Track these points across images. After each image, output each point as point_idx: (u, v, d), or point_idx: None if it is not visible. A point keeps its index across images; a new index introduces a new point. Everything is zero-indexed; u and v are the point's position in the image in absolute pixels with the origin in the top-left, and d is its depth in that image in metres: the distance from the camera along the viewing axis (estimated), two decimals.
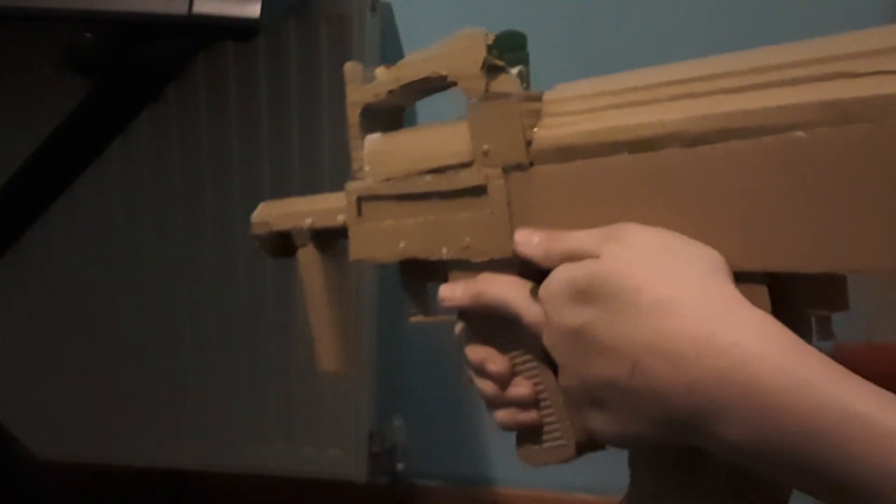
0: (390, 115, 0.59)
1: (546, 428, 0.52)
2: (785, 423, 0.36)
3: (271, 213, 0.67)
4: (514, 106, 0.49)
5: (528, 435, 0.53)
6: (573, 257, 0.44)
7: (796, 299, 0.42)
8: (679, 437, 0.40)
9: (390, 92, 0.56)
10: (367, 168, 0.57)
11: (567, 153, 0.47)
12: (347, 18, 1.07)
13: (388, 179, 0.56)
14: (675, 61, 0.46)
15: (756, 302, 0.40)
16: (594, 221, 0.45)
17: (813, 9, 1.09)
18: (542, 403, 0.52)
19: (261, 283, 1.18)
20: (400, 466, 1.30)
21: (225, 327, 1.21)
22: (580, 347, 0.43)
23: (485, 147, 0.50)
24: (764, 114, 0.39)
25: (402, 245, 0.56)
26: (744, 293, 0.40)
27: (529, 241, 0.48)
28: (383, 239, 0.57)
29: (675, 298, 0.39)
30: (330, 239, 0.63)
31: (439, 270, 0.55)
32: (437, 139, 0.54)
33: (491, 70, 0.49)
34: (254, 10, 0.75)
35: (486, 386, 0.53)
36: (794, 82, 0.39)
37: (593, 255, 0.43)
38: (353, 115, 0.58)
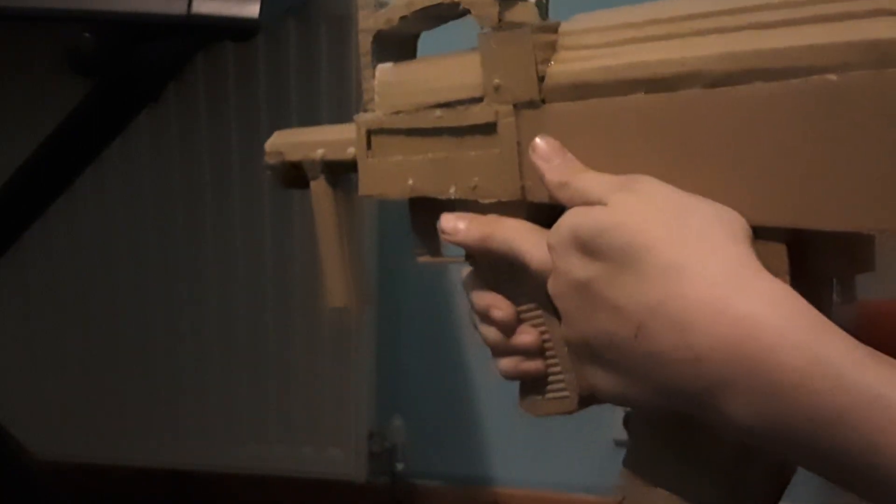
0: (403, 43, 0.56)
1: (550, 378, 0.50)
2: (799, 403, 0.33)
3: (285, 143, 0.65)
4: (526, 37, 0.45)
5: (532, 385, 0.51)
6: (583, 200, 0.42)
7: (818, 259, 0.39)
8: (682, 407, 0.38)
9: (402, 18, 0.53)
10: (377, 99, 0.55)
11: (581, 91, 0.43)
12: (346, 18, 1.07)
13: (397, 113, 0.54)
14: None
15: (774, 261, 0.37)
16: (606, 166, 0.43)
17: None
18: (548, 353, 0.49)
19: (260, 283, 1.18)
20: (399, 466, 1.30)
21: (225, 327, 1.21)
22: (585, 301, 0.40)
23: (496, 81, 0.47)
24: (793, 53, 0.36)
25: (410, 182, 0.54)
26: (760, 252, 0.37)
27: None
28: (392, 175, 0.55)
29: (687, 261, 0.37)
30: (341, 172, 0.62)
31: (448, 210, 0.53)
32: (449, 71, 0.51)
33: None
34: (253, 10, 0.75)
35: (491, 333, 0.51)
36: (829, 19, 0.35)
37: (602, 203, 0.40)
38: (365, 43, 0.55)
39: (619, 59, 0.42)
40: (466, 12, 0.49)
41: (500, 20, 0.46)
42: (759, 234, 0.38)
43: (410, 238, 0.57)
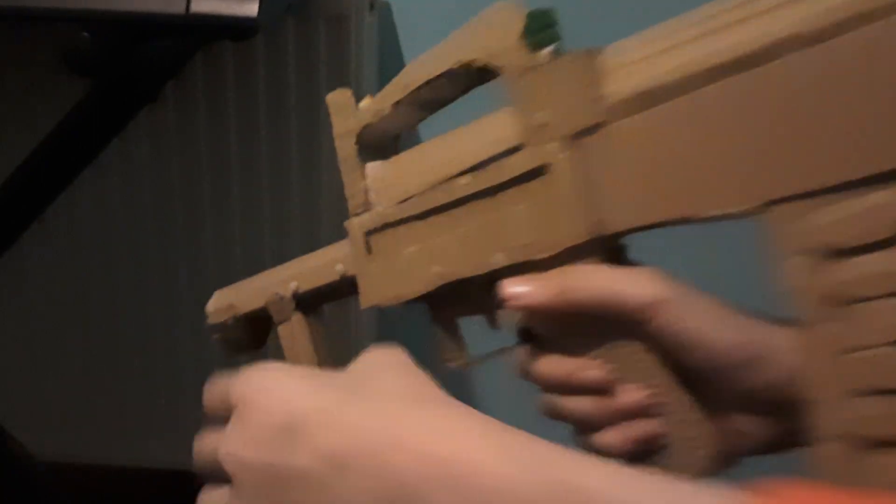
0: (382, 146, 0.52)
1: (673, 437, 0.44)
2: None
3: (235, 295, 0.58)
4: (577, 61, 0.43)
5: (651, 453, 0.45)
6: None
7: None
8: None
9: (396, 104, 0.48)
10: (372, 197, 0.50)
11: (650, 98, 0.41)
12: (346, 18, 1.07)
13: (406, 200, 0.49)
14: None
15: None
16: (692, 161, 0.40)
17: None
18: (660, 408, 0.44)
19: None
20: None
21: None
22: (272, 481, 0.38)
23: (540, 120, 0.43)
24: None
25: (435, 270, 0.48)
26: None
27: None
28: (407, 270, 0.49)
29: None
30: (320, 303, 0.55)
31: (477, 297, 0.48)
32: (466, 139, 0.48)
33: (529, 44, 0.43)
34: (251, 10, 0.75)
35: (583, 403, 0.45)
36: None
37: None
38: (347, 147, 0.51)
39: (687, 56, 0.40)
40: (483, 80, 0.46)
41: (531, 61, 0.44)
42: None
43: (435, 343, 0.51)
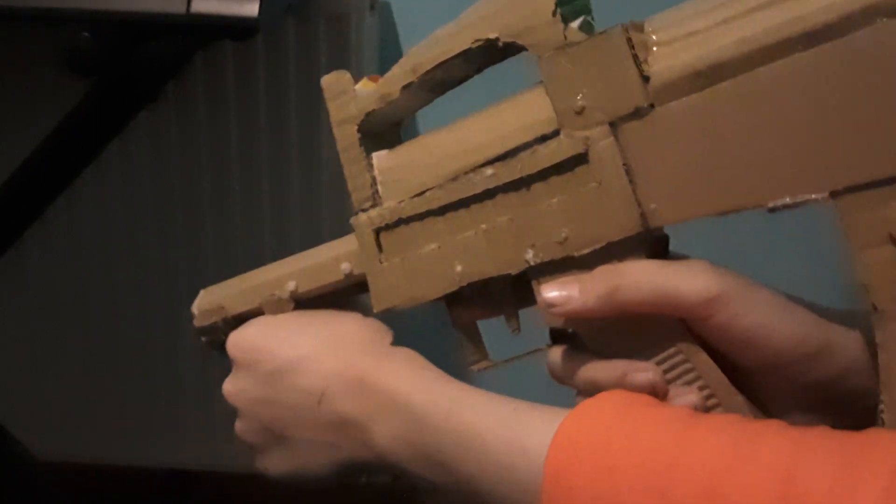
0: (384, 132, 0.48)
1: None
2: (422, 435, 0.45)
3: (224, 295, 0.55)
4: (619, 39, 0.38)
5: None
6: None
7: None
8: (349, 447, 0.49)
9: (406, 87, 0.45)
10: (381, 191, 0.47)
11: (705, 77, 0.37)
12: (346, 18, 1.07)
13: (421, 193, 0.45)
14: None
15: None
16: (752, 150, 0.37)
17: None
18: (714, 410, 0.42)
19: None
20: None
21: None
22: (265, 396, 0.52)
23: (578, 104, 0.40)
24: None
25: (458, 269, 0.45)
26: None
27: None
28: (426, 270, 0.46)
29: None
30: (317, 304, 0.52)
31: (501, 297, 0.46)
32: (488, 124, 0.44)
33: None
34: (252, 10, 0.75)
35: None
36: None
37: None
38: (349, 134, 0.48)
39: (748, 29, 0.36)
40: (502, 58, 0.43)
41: (565, 37, 0.40)
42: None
43: (455, 344, 0.50)
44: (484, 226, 0.44)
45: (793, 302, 0.41)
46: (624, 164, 0.40)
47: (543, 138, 0.42)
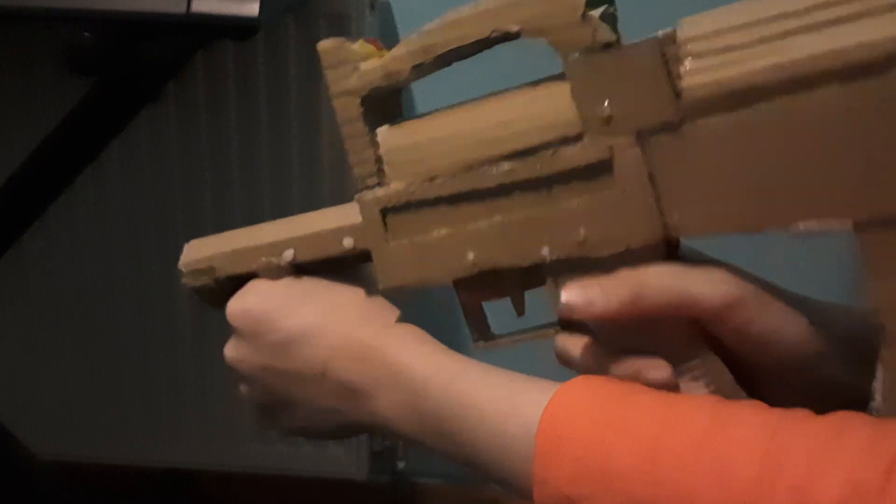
0: (386, 103, 0.47)
1: None
2: (422, 404, 0.46)
3: (216, 254, 0.53)
4: (654, 51, 0.38)
5: None
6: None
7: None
8: (351, 412, 0.50)
9: (416, 67, 0.44)
10: (387, 170, 0.45)
11: (742, 97, 0.36)
12: (346, 17, 1.07)
13: (431, 179, 0.44)
14: None
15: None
16: (786, 173, 0.37)
17: None
18: None
19: None
20: (401, 465, 1.30)
21: (224, 326, 1.20)
22: (271, 365, 0.52)
23: (605, 112, 0.39)
24: None
25: (470, 257, 0.44)
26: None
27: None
28: (437, 254, 0.45)
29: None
30: (315, 271, 0.51)
31: (510, 282, 0.46)
32: (506, 116, 0.43)
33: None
34: (252, 9, 0.75)
35: None
36: None
37: None
38: (351, 108, 0.46)
39: (795, 51, 0.35)
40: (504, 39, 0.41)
41: (593, 40, 0.39)
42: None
43: (465, 325, 0.49)
44: (499, 218, 0.43)
45: (798, 300, 0.42)
46: (649, 174, 0.39)
47: (565, 140, 0.41)
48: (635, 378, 0.42)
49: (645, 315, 0.41)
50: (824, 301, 0.44)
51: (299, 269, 0.51)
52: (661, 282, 0.40)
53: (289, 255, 0.51)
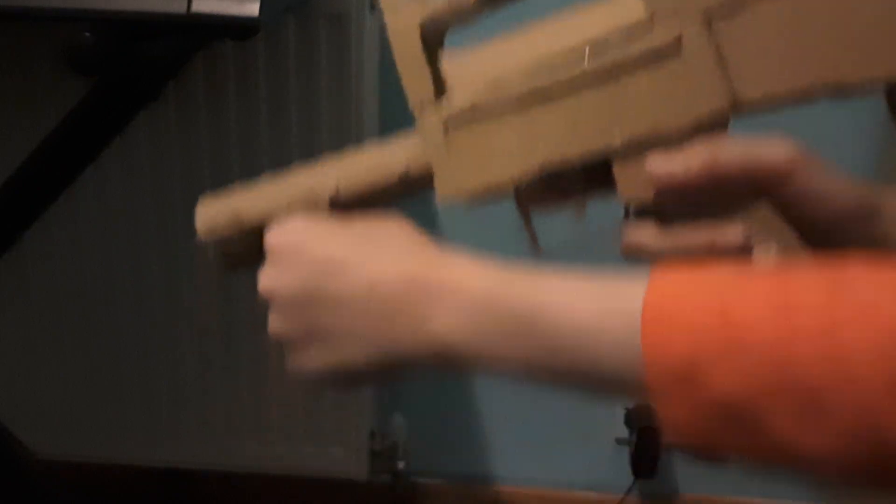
0: (441, 34, 0.47)
1: None
2: (492, 311, 0.43)
3: (240, 203, 0.52)
4: None
5: None
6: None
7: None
8: (404, 342, 0.46)
9: (482, 2, 0.45)
10: (455, 92, 0.46)
11: None
12: (346, 18, 1.07)
13: (498, 85, 0.45)
14: None
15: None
16: (833, 34, 0.41)
17: None
18: None
19: None
20: (401, 465, 1.30)
21: (225, 326, 1.21)
22: (311, 288, 0.48)
23: (671, 3, 0.42)
24: None
25: (538, 156, 0.45)
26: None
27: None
28: (501, 160, 0.46)
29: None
30: (348, 210, 0.50)
31: (576, 183, 0.47)
32: (573, 29, 0.45)
33: None
34: (252, 10, 0.75)
35: None
36: None
37: None
38: (412, 40, 0.46)
39: None
40: None
41: None
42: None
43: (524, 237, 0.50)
44: (567, 114, 0.44)
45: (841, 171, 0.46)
46: (716, 48, 0.42)
47: (635, 30, 0.43)
48: (711, 246, 0.45)
49: (720, 179, 0.44)
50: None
51: (338, 210, 0.50)
52: (732, 147, 0.44)
53: (331, 188, 0.49)
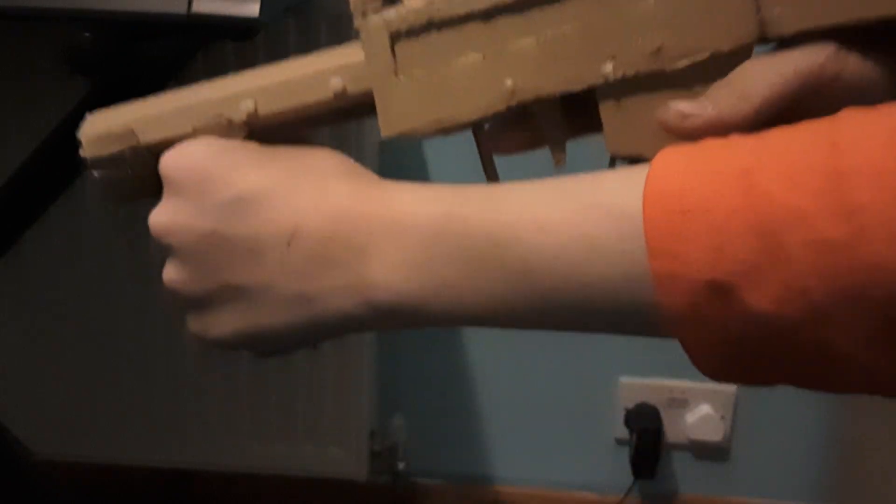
0: None
1: None
2: (447, 250, 0.35)
3: (135, 118, 0.42)
4: None
5: None
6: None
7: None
8: (331, 304, 0.38)
9: None
10: None
11: None
12: (346, 18, 1.06)
13: None
14: None
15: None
16: None
17: None
18: None
19: None
20: (401, 465, 1.30)
21: None
22: (218, 243, 0.40)
23: None
24: None
25: (508, 84, 0.37)
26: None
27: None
28: (461, 86, 0.37)
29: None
30: (275, 134, 0.41)
31: (552, 122, 0.38)
32: None
33: None
34: (253, 10, 0.75)
35: None
36: None
37: None
38: None
39: None
40: None
41: None
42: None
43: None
44: (548, 32, 0.36)
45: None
46: None
47: None
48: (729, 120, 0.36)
49: (758, 113, 0.35)
50: None
51: (257, 134, 0.41)
52: (761, 68, 0.36)
53: (247, 106, 0.40)
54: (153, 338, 1.22)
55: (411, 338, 1.29)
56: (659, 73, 0.36)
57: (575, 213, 0.33)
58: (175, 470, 1.28)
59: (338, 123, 0.41)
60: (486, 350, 1.28)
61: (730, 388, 1.25)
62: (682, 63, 0.35)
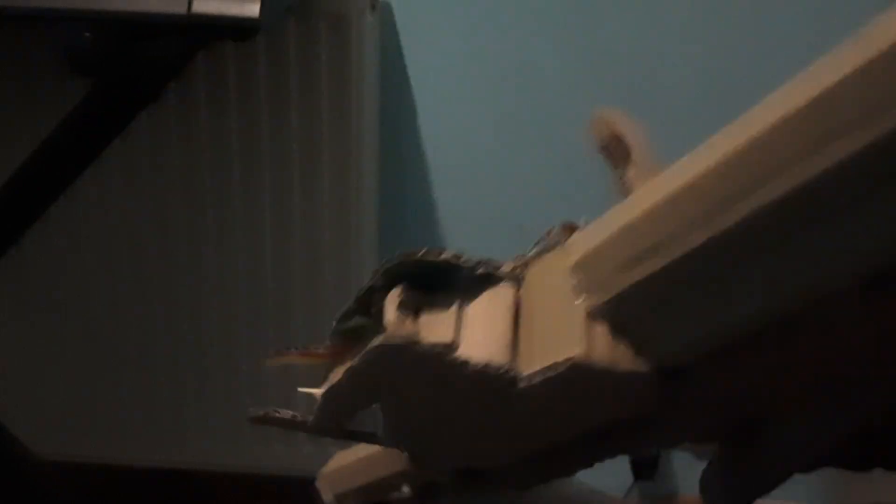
0: None
1: None
2: None
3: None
4: None
5: None
6: None
7: None
8: None
9: None
10: None
11: None
12: (346, 18, 1.07)
13: None
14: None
15: None
16: None
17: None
18: None
19: (260, 283, 1.18)
20: None
21: (225, 326, 1.21)
22: None
23: None
24: None
25: None
26: None
27: None
28: None
29: None
30: None
31: None
32: None
33: None
34: (253, 10, 0.75)
35: None
36: None
37: None
38: None
39: None
40: None
41: None
42: None
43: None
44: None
45: None
46: None
47: None
48: None
49: None
50: None
51: None
52: None
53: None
54: (153, 338, 1.23)
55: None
56: None
57: None
58: (175, 470, 1.28)
59: None
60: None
61: None
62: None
